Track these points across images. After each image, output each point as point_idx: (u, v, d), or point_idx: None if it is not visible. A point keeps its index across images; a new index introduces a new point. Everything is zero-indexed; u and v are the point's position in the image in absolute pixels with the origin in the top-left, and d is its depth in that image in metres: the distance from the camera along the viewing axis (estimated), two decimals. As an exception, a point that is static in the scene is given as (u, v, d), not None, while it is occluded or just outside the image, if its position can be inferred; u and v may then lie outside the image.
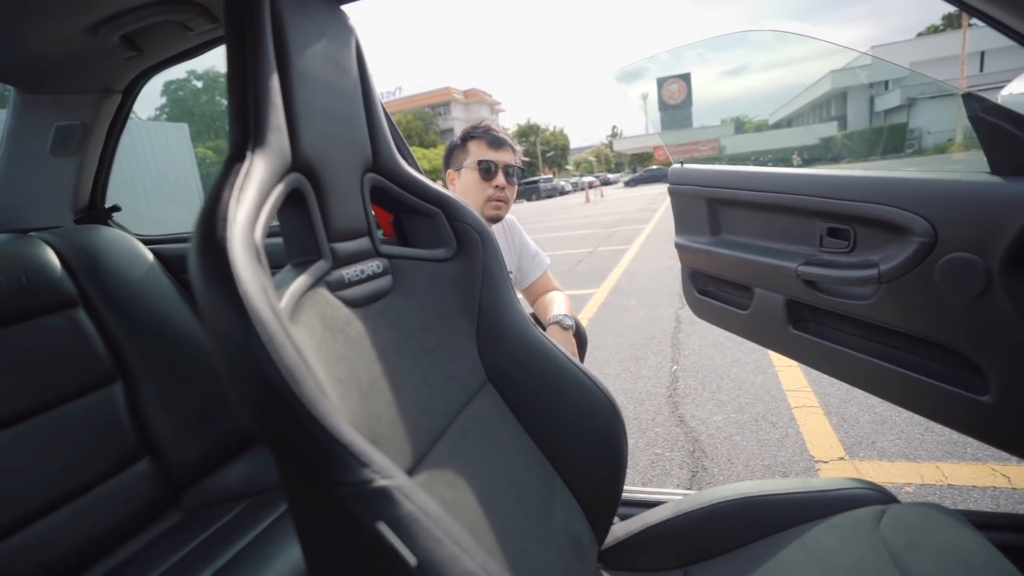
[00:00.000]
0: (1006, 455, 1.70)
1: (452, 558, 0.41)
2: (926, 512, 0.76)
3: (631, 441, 2.11)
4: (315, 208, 0.60)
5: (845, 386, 2.34)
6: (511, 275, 1.66)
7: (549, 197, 34.61)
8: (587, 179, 42.06)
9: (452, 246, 0.85)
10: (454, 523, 0.45)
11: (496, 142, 1.46)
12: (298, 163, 0.57)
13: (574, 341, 1.43)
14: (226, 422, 1.36)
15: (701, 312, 1.95)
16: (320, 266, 0.60)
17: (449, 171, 1.48)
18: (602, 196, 27.12)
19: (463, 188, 1.45)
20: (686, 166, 1.84)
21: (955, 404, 1.09)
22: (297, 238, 0.60)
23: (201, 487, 1.29)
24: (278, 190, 0.52)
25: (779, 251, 1.44)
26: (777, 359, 2.72)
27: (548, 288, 1.69)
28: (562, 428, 0.88)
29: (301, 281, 0.55)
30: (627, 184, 41.77)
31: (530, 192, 34.15)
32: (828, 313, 1.42)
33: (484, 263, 0.88)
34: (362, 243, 0.68)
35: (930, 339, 1.12)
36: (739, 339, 3.08)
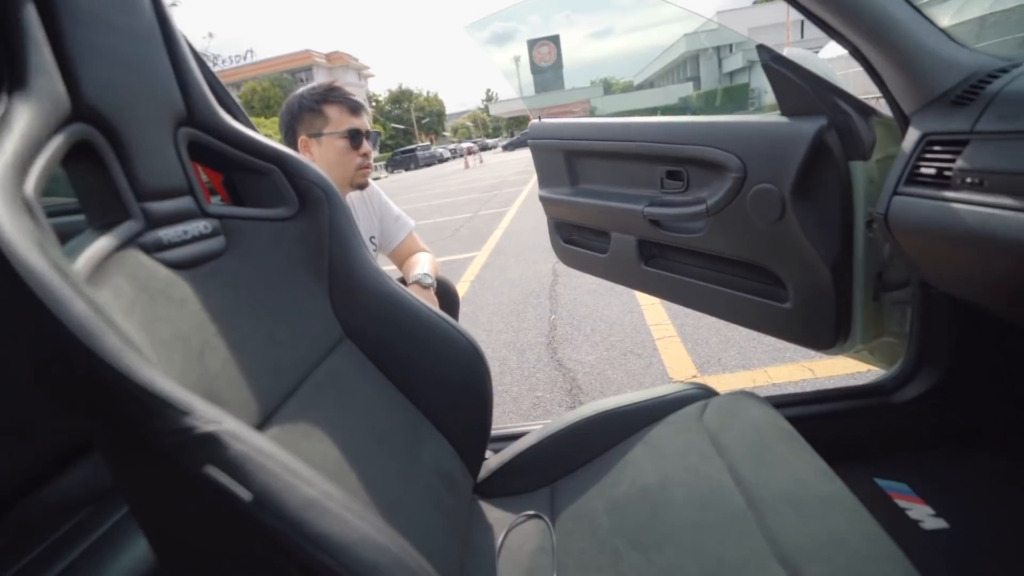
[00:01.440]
0: (812, 353, 2.03)
1: (289, 487, 0.42)
2: (737, 399, 0.91)
3: (515, 389, 2.22)
4: (115, 164, 0.56)
5: (697, 315, 2.64)
6: (374, 240, 1.63)
7: (428, 165, 33.77)
8: (466, 145, 41.72)
9: (293, 204, 0.83)
10: (293, 458, 0.46)
11: (356, 107, 1.40)
12: (82, 112, 0.52)
13: (435, 299, 1.45)
14: (52, 426, 1.22)
15: (568, 260, 2.07)
16: (128, 227, 0.56)
17: (302, 137, 1.39)
18: (481, 161, 27.14)
19: (327, 157, 1.37)
20: (544, 120, 1.91)
21: (767, 313, 1.28)
22: (95, 197, 0.55)
23: (31, 503, 1.15)
24: (56, 142, 0.48)
25: (628, 196, 1.57)
26: (642, 299, 2.98)
27: (414, 250, 1.69)
28: (426, 375, 0.91)
29: (103, 243, 0.51)
30: (505, 148, 42.11)
31: (408, 161, 32.95)
32: (672, 248, 1.58)
33: (331, 220, 0.87)
34: (183, 203, 0.64)
35: (747, 261, 1.30)
36: (609, 284, 3.33)
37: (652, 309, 2.82)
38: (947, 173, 0.85)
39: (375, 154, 1.58)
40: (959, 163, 0.83)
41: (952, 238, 0.82)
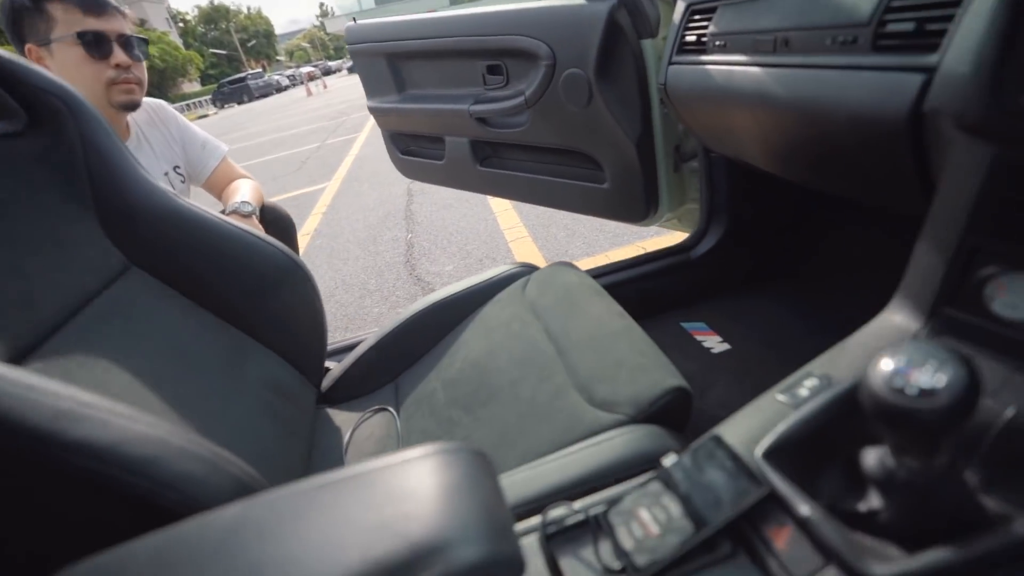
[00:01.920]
0: (645, 233, 2.25)
1: (31, 405, 0.39)
2: (554, 269, 0.99)
3: (376, 310, 2.20)
4: None
5: (546, 215, 2.77)
6: (179, 171, 1.44)
7: (264, 96, 30.01)
8: (306, 70, 37.61)
9: (19, 118, 0.70)
10: (44, 379, 0.42)
11: (92, 5, 1.10)
12: None
13: (259, 226, 1.34)
14: None
15: (408, 172, 2.01)
16: None
17: (28, 46, 1.10)
18: (325, 87, 24.76)
19: (65, 70, 1.10)
20: (360, 22, 1.76)
21: (590, 196, 1.37)
22: None
23: None
24: None
25: (455, 96, 1.53)
26: (495, 206, 3.04)
27: (232, 177, 1.53)
28: (241, 294, 0.87)
29: None
30: (351, 71, 38.74)
31: (239, 93, 28.84)
32: (503, 146, 1.60)
33: (82, 136, 0.75)
34: None
35: (568, 148, 1.35)
36: (464, 197, 3.34)
37: (505, 215, 2.89)
38: (703, 39, 0.94)
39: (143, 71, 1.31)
40: (711, 28, 0.92)
41: (708, 98, 0.93)
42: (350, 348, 1.12)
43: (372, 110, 1.86)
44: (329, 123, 9.21)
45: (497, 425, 0.73)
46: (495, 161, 1.66)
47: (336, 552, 0.28)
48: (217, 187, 1.52)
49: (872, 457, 0.37)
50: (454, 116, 1.56)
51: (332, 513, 0.31)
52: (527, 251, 2.40)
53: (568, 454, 0.58)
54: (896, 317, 0.50)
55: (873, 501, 0.39)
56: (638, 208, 1.30)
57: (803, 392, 0.47)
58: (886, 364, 0.31)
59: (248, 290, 0.87)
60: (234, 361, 0.82)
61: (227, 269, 0.86)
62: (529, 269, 1.05)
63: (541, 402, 0.71)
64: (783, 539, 0.37)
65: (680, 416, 0.64)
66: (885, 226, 1.23)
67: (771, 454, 0.42)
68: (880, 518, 0.38)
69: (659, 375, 0.65)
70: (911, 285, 0.50)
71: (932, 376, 0.29)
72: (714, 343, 1.17)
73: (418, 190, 3.74)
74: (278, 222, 1.61)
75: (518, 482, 0.56)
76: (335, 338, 1.43)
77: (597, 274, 1.27)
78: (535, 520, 0.45)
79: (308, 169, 5.45)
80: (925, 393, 0.29)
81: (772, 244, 1.34)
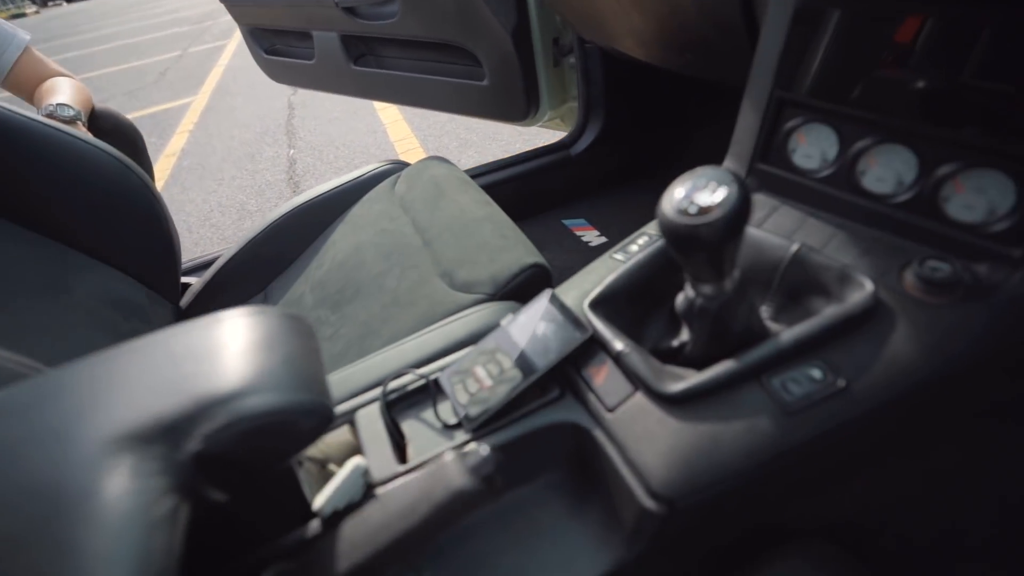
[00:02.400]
0: (538, 140, 2.23)
1: None
2: (424, 164, 0.95)
3: (257, 231, 2.05)
4: None
5: (437, 124, 2.65)
6: None
7: (108, -5, 25.21)
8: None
9: None
10: None
11: None
12: None
13: (88, 133, 1.15)
14: None
15: (276, 74, 1.81)
16: None
17: None
18: (184, -14, 21.28)
19: None
20: None
21: (469, 94, 1.30)
22: None
23: None
24: None
25: (318, -18, 1.37)
26: (385, 117, 2.86)
27: (43, 74, 1.27)
28: (64, 205, 0.76)
29: None
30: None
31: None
32: (377, 41, 1.47)
33: None
34: None
35: (445, 42, 1.27)
36: (351, 109, 3.10)
37: (395, 126, 2.74)
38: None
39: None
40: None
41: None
42: (210, 263, 1.04)
43: (225, 1, 1.62)
44: (192, 27, 7.99)
45: (362, 318, 0.72)
46: (370, 60, 1.53)
47: (101, 417, 0.26)
48: (24, 87, 1.27)
49: (680, 296, 0.40)
50: (319, 5, 1.40)
51: (110, 380, 0.28)
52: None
53: (426, 333, 0.58)
54: None
55: (683, 335, 0.43)
56: (519, 106, 1.27)
57: (635, 248, 0.49)
58: (677, 191, 0.33)
59: (74, 201, 0.76)
60: (54, 277, 0.72)
61: (45, 179, 0.74)
62: (400, 166, 1.01)
63: (405, 291, 0.70)
64: (601, 376, 0.40)
65: (541, 290, 0.66)
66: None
67: (597, 304, 0.44)
68: (687, 350, 0.41)
69: (517, 254, 0.66)
70: (735, 145, 0.53)
71: (710, 196, 0.31)
72: (592, 237, 1.21)
73: (300, 103, 3.41)
74: (119, 132, 1.39)
75: (375, 364, 0.55)
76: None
77: (477, 174, 1.25)
78: (378, 390, 0.45)
79: (169, 81, 4.76)
80: (703, 210, 0.30)
81: (649, 139, 1.38)
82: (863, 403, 0.34)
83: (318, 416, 0.29)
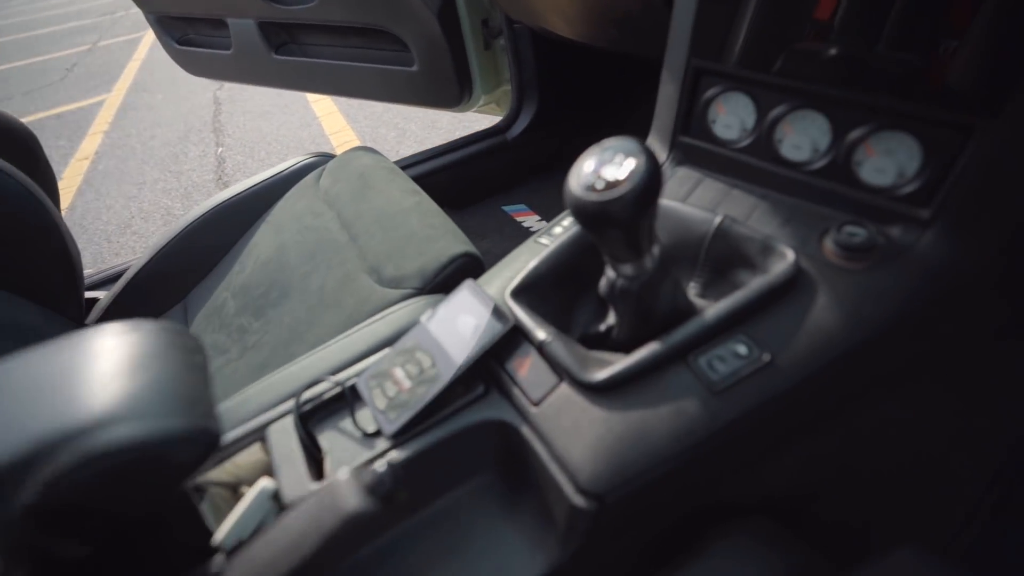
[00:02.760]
0: (477, 126, 2.19)
1: None
2: (350, 155, 0.90)
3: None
4: None
5: (374, 114, 2.56)
6: None
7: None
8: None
9: None
10: None
11: None
12: None
13: None
14: None
15: (191, 67, 1.69)
16: None
17: None
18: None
19: None
20: None
21: (399, 81, 1.25)
22: None
23: None
24: None
25: (228, -36, 1.28)
26: (319, 109, 2.74)
27: None
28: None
29: None
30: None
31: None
32: (299, 28, 1.39)
33: None
34: None
35: (369, 26, 1.20)
36: (283, 103, 2.96)
37: (330, 118, 2.63)
38: None
39: None
40: None
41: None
42: (121, 274, 0.95)
43: (123, -15, 1.49)
44: (100, 19, 7.41)
45: (287, 322, 0.67)
46: (293, 48, 1.44)
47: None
48: None
49: (603, 279, 0.38)
50: (231, -12, 1.31)
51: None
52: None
53: (351, 334, 0.54)
54: None
55: (610, 319, 0.41)
56: (451, 91, 1.23)
57: (558, 231, 0.47)
58: (584, 166, 0.30)
59: None
60: None
61: None
62: (324, 158, 0.95)
63: (331, 290, 0.66)
64: (525, 368, 0.37)
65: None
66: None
67: (519, 292, 0.41)
68: (614, 334, 0.40)
69: (446, 244, 0.63)
70: (657, 118, 0.51)
71: (617, 169, 0.29)
72: (534, 222, 1.19)
73: (227, 98, 3.23)
74: (9, 138, 1.27)
75: (294, 372, 0.51)
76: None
77: (411, 164, 1.20)
78: (292, 402, 0.42)
79: (76, 78, 4.40)
80: (611, 185, 0.28)
81: (586, 120, 1.37)
82: (789, 376, 0.33)
83: (198, 444, 0.26)
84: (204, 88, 3.52)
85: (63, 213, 1.85)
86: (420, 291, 0.60)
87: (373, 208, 0.74)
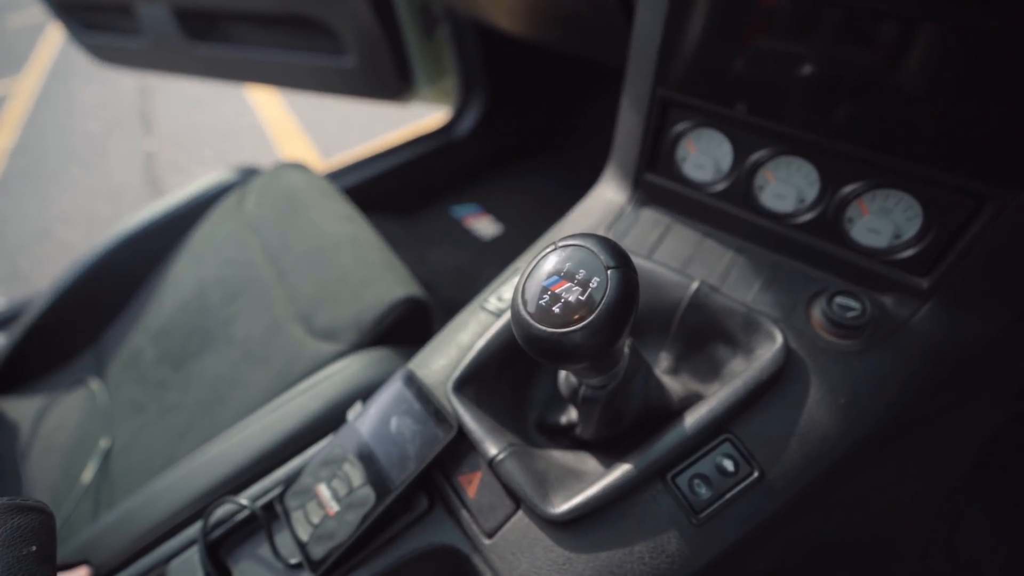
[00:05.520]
0: (427, 113, 2.07)
1: None
2: (278, 172, 0.80)
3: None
4: None
5: (318, 106, 2.41)
6: None
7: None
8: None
9: None
10: None
11: None
12: None
13: None
14: None
15: (104, 56, 1.52)
16: None
17: None
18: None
19: None
20: None
21: (333, 72, 1.13)
22: None
23: None
24: None
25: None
26: (255, 98, 2.55)
27: None
28: None
29: None
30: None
31: None
32: (221, 17, 1.25)
33: None
34: None
35: (297, 14, 1.08)
36: (216, 91, 2.74)
37: (268, 108, 2.45)
38: None
39: None
40: None
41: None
42: (21, 311, 0.84)
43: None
44: (12, -4, 6.75)
45: (209, 379, 0.59)
46: (215, 35, 1.30)
47: None
48: None
49: (561, 377, 0.32)
50: (134, -28, 1.16)
51: None
52: (299, 149, 2.09)
53: (278, 407, 0.47)
54: (607, 191, 0.46)
55: (572, 413, 0.35)
56: (390, 82, 1.12)
57: (509, 294, 0.40)
58: (536, 278, 0.23)
59: None
60: None
61: None
62: (246, 175, 0.85)
63: (257, 342, 0.58)
64: (474, 487, 0.31)
65: (417, 328, 0.56)
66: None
67: (465, 382, 0.35)
68: (576, 431, 0.34)
69: (384, 287, 0.56)
70: (618, 151, 0.45)
71: (578, 290, 0.22)
72: (485, 226, 1.11)
73: (154, 86, 2.98)
74: None
75: (209, 463, 0.44)
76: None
77: (349, 171, 1.10)
78: (197, 527, 0.35)
79: (-15, 63, 3.99)
80: (570, 312, 0.22)
81: (536, 116, 1.29)
82: (781, 493, 0.28)
83: None
84: (130, 75, 3.24)
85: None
86: (356, 345, 0.53)
87: (303, 240, 0.66)
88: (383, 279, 0.57)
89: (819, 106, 0.32)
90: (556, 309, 0.22)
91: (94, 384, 0.71)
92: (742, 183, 0.37)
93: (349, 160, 1.14)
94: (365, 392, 0.45)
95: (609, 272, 0.21)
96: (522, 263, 0.42)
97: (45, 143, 2.56)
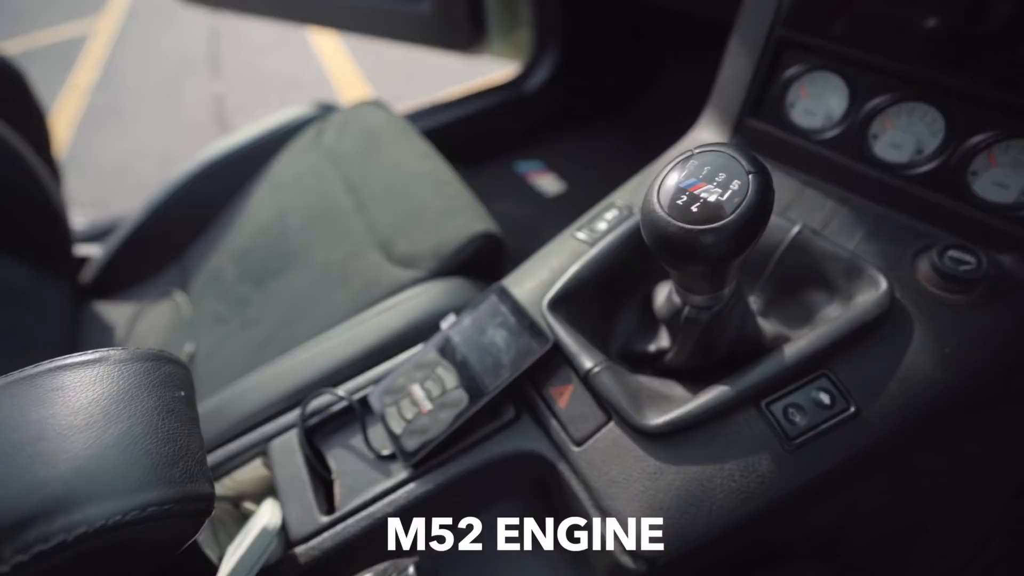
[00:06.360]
0: (487, 68, 2.05)
1: None
2: (355, 110, 0.82)
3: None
4: None
5: (382, 58, 2.42)
6: None
7: None
8: None
9: None
10: None
11: None
12: None
13: None
14: None
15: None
16: None
17: None
18: None
19: None
20: None
21: (406, 19, 1.13)
22: None
23: None
24: None
25: None
26: (320, 47, 2.58)
27: None
28: None
29: None
30: None
31: None
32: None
33: None
34: None
35: None
36: (284, 38, 2.78)
37: (333, 57, 2.48)
38: None
39: None
40: None
41: None
42: (114, 226, 0.90)
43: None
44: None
45: (289, 297, 0.62)
46: (292, -25, 1.32)
47: None
48: None
49: (661, 295, 0.32)
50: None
51: None
52: (359, 98, 2.11)
53: (359, 324, 0.49)
54: (703, 134, 0.45)
55: (662, 340, 0.36)
56: (463, 33, 1.12)
57: (602, 226, 0.41)
58: (671, 179, 0.24)
59: None
60: None
61: None
62: (327, 110, 0.87)
63: (336, 265, 0.61)
64: (566, 398, 0.33)
65: (491, 264, 0.58)
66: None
67: (558, 303, 0.36)
68: (667, 359, 0.35)
69: (463, 221, 0.57)
70: (719, 95, 0.44)
71: (719, 191, 0.22)
72: (549, 183, 1.11)
73: (224, 31, 3.04)
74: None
75: (297, 366, 0.47)
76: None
77: (418, 117, 1.11)
78: (296, 414, 0.37)
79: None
80: (708, 211, 0.22)
81: (611, 75, 1.26)
82: (875, 431, 0.28)
83: (182, 516, 0.21)
84: (200, 20, 3.31)
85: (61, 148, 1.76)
86: (435, 273, 0.54)
87: (383, 172, 0.68)
88: (463, 213, 0.58)
89: (958, 47, 0.31)
90: (695, 208, 0.22)
91: (179, 296, 0.76)
92: (855, 130, 0.36)
93: (415, 107, 1.15)
94: (445, 315, 0.47)
95: (750, 176, 0.22)
96: (616, 197, 0.43)
97: (123, 81, 2.67)
